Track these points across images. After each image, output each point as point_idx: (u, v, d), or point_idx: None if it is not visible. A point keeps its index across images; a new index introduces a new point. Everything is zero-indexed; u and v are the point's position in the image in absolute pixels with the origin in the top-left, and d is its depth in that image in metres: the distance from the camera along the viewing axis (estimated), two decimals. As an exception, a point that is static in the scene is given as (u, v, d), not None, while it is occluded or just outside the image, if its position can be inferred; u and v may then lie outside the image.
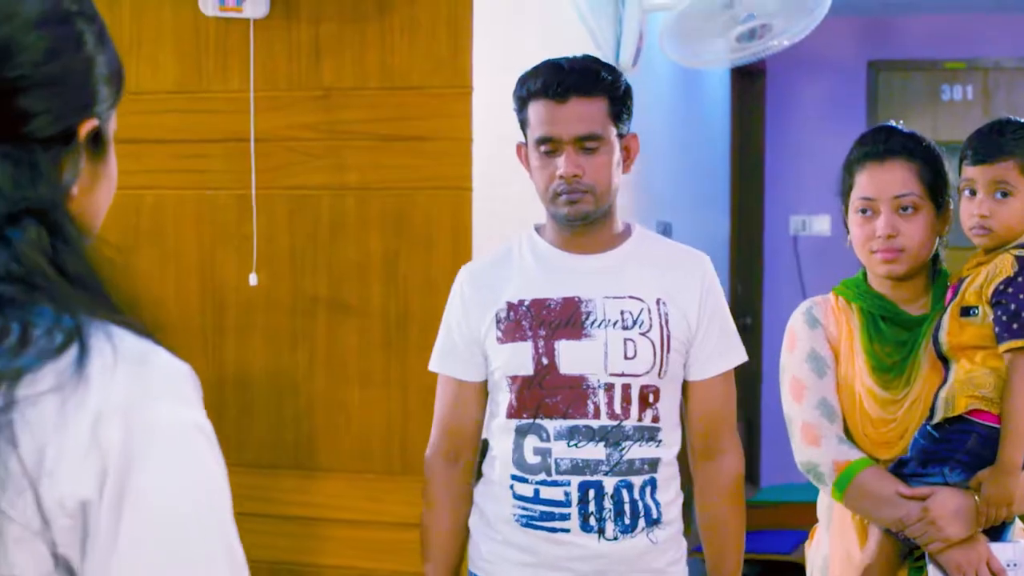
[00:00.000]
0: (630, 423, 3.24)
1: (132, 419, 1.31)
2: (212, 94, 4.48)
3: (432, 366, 3.47)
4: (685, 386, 3.37)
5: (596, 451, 3.23)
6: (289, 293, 4.42)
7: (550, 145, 3.26)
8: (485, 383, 3.41)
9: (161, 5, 4.45)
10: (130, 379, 1.33)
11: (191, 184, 4.50)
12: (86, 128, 1.44)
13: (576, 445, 3.23)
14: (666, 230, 6.42)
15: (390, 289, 4.31)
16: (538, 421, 3.26)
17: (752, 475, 7.71)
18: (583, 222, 3.29)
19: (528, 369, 3.27)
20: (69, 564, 1.31)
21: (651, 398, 3.26)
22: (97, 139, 1.46)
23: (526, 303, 3.30)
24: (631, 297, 3.28)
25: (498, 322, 3.32)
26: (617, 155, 3.29)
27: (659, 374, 3.26)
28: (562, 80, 3.24)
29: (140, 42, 4.52)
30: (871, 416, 3.30)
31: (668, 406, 3.30)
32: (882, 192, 3.28)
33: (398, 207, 4.30)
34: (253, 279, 4.37)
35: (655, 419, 3.26)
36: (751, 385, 8.47)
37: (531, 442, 3.28)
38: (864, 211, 3.31)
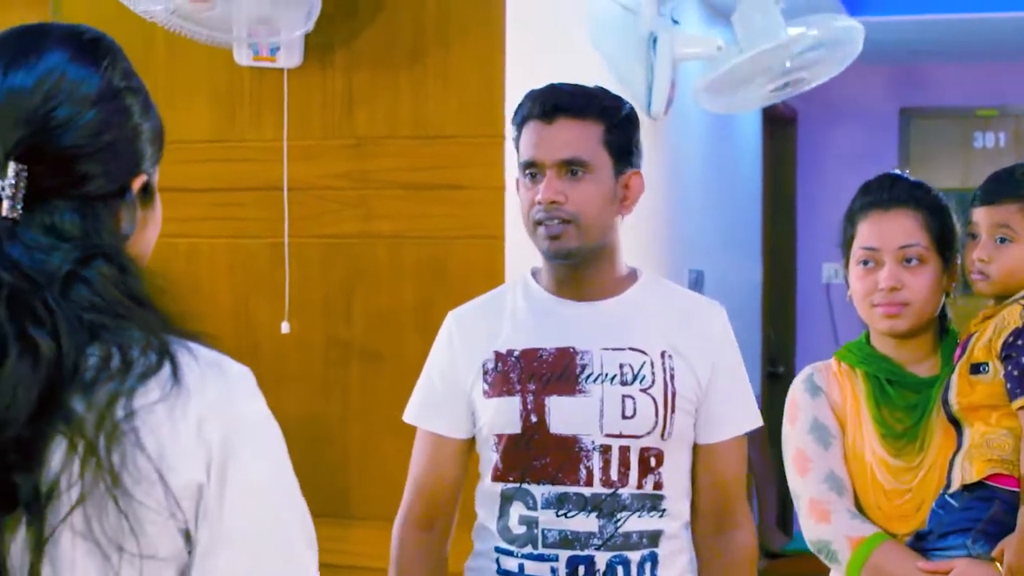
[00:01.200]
0: (627, 491, 2.87)
1: (225, 417, 1.65)
2: (246, 143, 4.50)
3: (408, 418, 3.12)
4: (695, 450, 3.00)
5: (587, 522, 2.86)
6: (322, 341, 4.43)
7: (534, 169, 2.92)
8: (468, 441, 3.06)
9: (196, 55, 4.48)
10: (216, 384, 1.67)
11: (224, 232, 4.52)
12: (137, 183, 1.76)
13: (565, 515, 2.86)
14: (698, 279, 6.42)
15: (423, 338, 4.29)
16: (524, 486, 2.90)
17: (784, 523, 7.67)
18: (570, 261, 2.93)
19: (515, 427, 2.90)
20: (192, 537, 1.63)
21: (653, 462, 2.89)
22: (146, 189, 1.78)
23: (516, 353, 2.95)
24: (632, 349, 2.92)
25: (485, 373, 2.97)
26: (610, 189, 2.93)
27: (662, 435, 2.90)
28: (550, 99, 2.93)
29: (174, 92, 4.55)
30: (884, 487, 3.05)
31: (674, 472, 2.94)
32: (886, 242, 3.08)
33: (431, 256, 4.30)
34: (285, 327, 4.38)
35: (658, 486, 2.90)
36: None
37: (517, 509, 2.92)
38: (866, 262, 3.11)
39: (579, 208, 2.88)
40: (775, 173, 9.10)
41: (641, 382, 2.89)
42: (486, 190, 4.23)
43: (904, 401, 3.09)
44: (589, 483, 2.86)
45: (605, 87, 3.08)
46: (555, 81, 3.07)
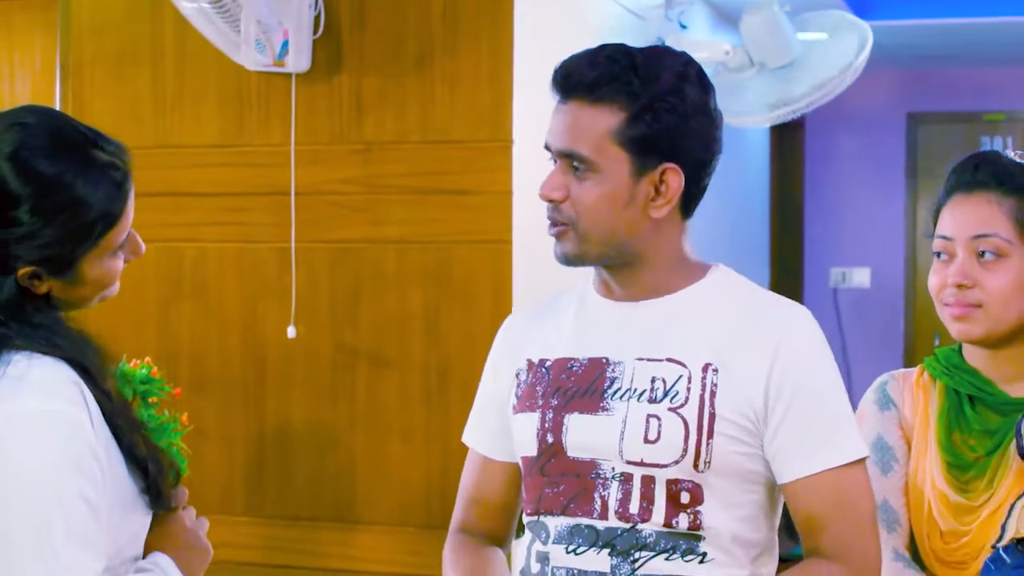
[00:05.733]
0: (650, 527, 2.35)
1: None
2: (254, 148, 4.50)
3: (463, 436, 2.70)
4: (784, 491, 2.42)
5: (599, 560, 2.37)
6: (330, 346, 4.43)
7: (549, 153, 2.43)
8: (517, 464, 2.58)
9: (204, 59, 4.49)
10: (5, 388, 2.01)
11: (232, 237, 4.53)
12: (22, 272, 2.08)
13: (575, 552, 2.38)
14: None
15: (430, 343, 4.32)
16: (540, 518, 2.44)
17: (791, 529, 7.63)
18: (579, 266, 2.45)
19: (532, 448, 2.45)
20: None
21: (685, 498, 2.35)
22: (54, 271, 2.10)
23: (548, 363, 2.48)
24: (670, 360, 2.38)
25: (517, 386, 2.53)
26: (624, 191, 2.36)
27: (696, 465, 2.34)
28: (568, 71, 2.39)
29: (183, 96, 4.55)
30: (941, 528, 2.54)
31: (725, 512, 2.38)
32: (959, 230, 2.54)
33: (438, 260, 4.31)
34: (291, 332, 4.39)
35: (695, 526, 2.35)
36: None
37: (535, 546, 2.45)
38: (940, 254, 2.58)
39: (577, 211, 2.37)
40: (782, 178, 9.09)
41: (672, 399, 2.36)
42: (494, 195, 4.23)
43: (983, 424, 2.57)
44: (603, 516, 2.37)
45: (670, 47, 2.48)
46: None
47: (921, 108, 9.34)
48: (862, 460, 2.38)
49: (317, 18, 4.35)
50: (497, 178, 4.24)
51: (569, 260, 2.41)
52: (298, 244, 4.42)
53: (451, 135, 4.30)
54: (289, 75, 4.40)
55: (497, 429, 2.58)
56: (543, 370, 2.48)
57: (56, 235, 2.08)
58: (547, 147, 2.41)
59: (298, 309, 4.42)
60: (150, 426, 3.74)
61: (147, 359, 3.86)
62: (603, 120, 2.34)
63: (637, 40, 4.69)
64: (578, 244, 2.39)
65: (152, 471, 2.15)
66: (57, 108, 4.73)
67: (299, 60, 4.33)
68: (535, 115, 4.36)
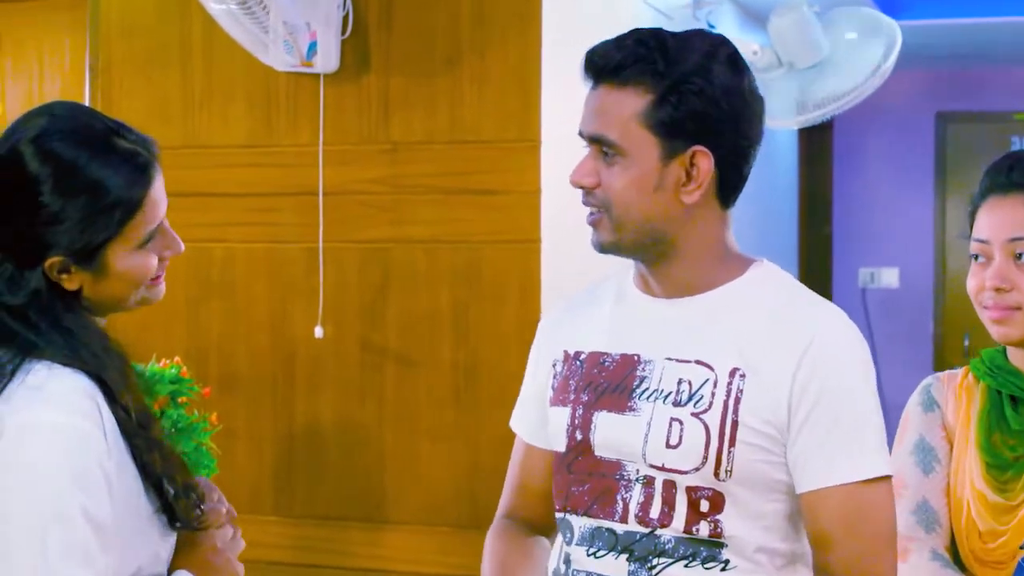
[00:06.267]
0: (670, 533, 2.28)
1: (5, 420, 2.01)
2: (282, 148, 4.51)
3: (510, 421, 2.65)
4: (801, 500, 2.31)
5: (617, 565, 2.31)
6: (358, 346, 4.43)
7: (582, 140, 2.37)
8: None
9: (233, 60, 4.50)
10: (16, 396, 2.02)
11: (260, 237, 4.54)
12: (48, 263, 2.10)
13: (595, 555, 2.34)
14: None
15: (459, 342, 4.32)
16: (567, 516, 2.39)
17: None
18: (615, 255, 2.38)
19: (561, 444, 2.40)
20: None
21: (705, 506, 2.27)
22: (81, 262, 2.11)
23: (582, 356, 2.43)
24: (698, 362, 2.30)
25: (554, 377, 2.48)
26: (653, 176, 2.29)
27: (716, 474, 2.26)
28: (599, 56, 2.36)
29: (211, 96, 4.56)
30: (979, 528, 2.52)
31: (745, 521, 2.29)
32: (995, 233, 2.52)
33: (467, 260, 4.31)
34: (319, 331, 4.40)
35: (715, 534, 2.27)
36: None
37: (563, 546, 2.42)
38: (977, 257, 2.56)
39: (609, 196, 2.31)
40: (811, 177, 9.07)
41: (695, 404, 2.28)
42: (522, 194, 4.23)
43: (1022, 425, 2.54)
44: (624, 519, 2.32)
45: (705, 30, 2.44)
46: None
47: (950, 107, 9.30)
48: (884, 478, 2.27)
49: (345, 18, 4.36)
50: (525, 178, 4.24)
51: (604, 248, 2.35)
52: (326, 244, 4.43)
53: (479, 135, 4.30)
54: (317, 75, 4.41)
55: (538, 417, 2.51)
56: (577, 363, 2.42)
57: (78, 219, 2.09)
58: (580, 134, 2.35)
59: (326, 309, 4.43)
60: (180, 425, 3.78)
61: (176, 359, 3.90)
62: (629, 103, 2.29)
63: (665, 39, 4.58)
64: (612, 231, 2.32)
65: (168, 490, 2.12)
66: (86, 108, 4.76)
67: (327, 60, 4.34)
68: (563, 115, 4.36)
